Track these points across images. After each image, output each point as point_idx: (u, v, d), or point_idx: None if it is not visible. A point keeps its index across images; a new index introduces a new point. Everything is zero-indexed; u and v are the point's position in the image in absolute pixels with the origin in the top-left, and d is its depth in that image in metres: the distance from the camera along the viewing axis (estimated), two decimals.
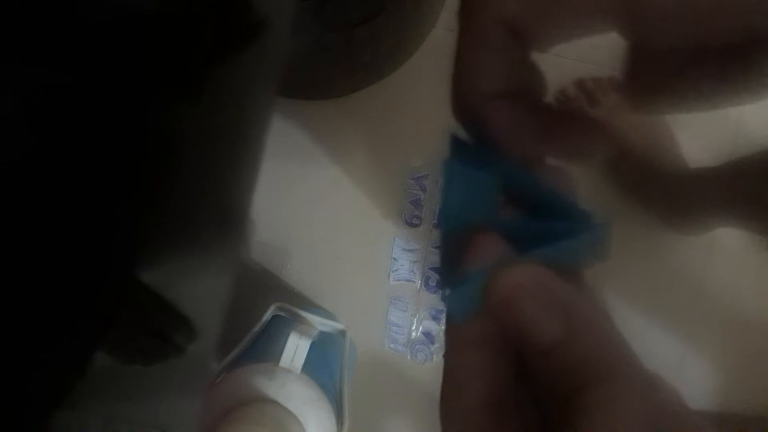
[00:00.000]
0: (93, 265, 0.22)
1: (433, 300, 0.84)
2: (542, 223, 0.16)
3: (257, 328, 0.71)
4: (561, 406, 0.13)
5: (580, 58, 0.83)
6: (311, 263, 0.85)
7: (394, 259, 0.84)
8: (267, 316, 0.72)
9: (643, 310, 0.82)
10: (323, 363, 0.68)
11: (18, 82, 0.18)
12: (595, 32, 0.15)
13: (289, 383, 0.60)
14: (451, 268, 0.17)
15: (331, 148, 0.86)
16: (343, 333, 0.76)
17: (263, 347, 0.68)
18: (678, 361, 0.83)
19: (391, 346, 0.84)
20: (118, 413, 0.41)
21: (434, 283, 0.84)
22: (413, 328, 0.84)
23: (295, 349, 0.63)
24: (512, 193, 0.17)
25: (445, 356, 0.16)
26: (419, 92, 0.83)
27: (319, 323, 0.73)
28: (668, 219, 0.79)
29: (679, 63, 0.15)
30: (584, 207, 0.17)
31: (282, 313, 0.74)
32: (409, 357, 0.84)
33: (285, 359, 0.63)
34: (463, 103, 0.17)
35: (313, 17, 0.58)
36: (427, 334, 0.84)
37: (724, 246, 0.83)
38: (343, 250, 0.85)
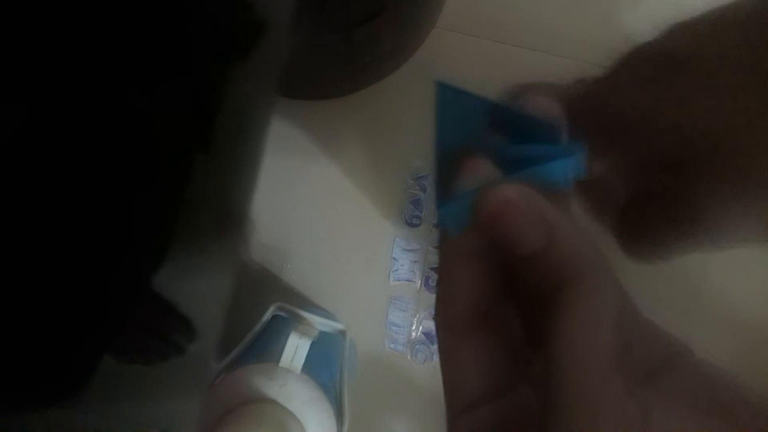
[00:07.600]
0: (112, 265, 0.22)
1: (434, 300, 0.84)
2: (526, 146, 0.18)
3: (257, 328, 0.71)
4: (543, 305, 0.15)
5: (579, 57, 0.83)
6: (311, 263, 0.85)
7: (394, 259, 0.84)
8: (267, 316, 0.72)
9: (642, 309, 0.82)
10: (323, 363, 0.68)
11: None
12: None
13: (289, 383, 0.60)
14: (445, 188, 0.18)
15: (331, 148, 0.86)
16: (343, 333, 0.76)
17: (263, 347, 0.67)
18: None
19: (391, 346, 0.84)
20: (118, 413, 0.41)
21: (434, 283, 0.83)
22: (413, 328, 0.84)
23: (295, 349, 0.63)
24: (497, 120, 0.19)
25: (439, 268, 0.17)
26: (419, 92, 0.83)
27: (319, 323, 0.73)
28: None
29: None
30: (564, 132, 0.18)
31: (282, 313, 0.74)
32: (409, 357, 0.84)
33: (285, 359, 0.63)
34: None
35: (313, 17, 0.58)
36: (427, 334, 0.84)
37: None
38: (343, 250, 0.85)
